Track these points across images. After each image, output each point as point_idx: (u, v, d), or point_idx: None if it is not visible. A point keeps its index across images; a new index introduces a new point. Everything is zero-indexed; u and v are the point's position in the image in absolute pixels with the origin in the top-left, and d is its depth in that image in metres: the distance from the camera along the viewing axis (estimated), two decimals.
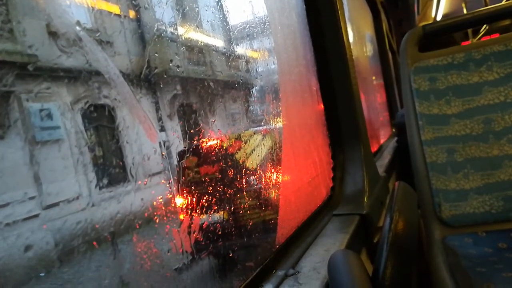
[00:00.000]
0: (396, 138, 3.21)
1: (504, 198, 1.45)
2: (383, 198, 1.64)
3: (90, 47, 0.69)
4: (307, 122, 1.51)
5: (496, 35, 1.95)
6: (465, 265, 1.20)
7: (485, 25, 5.39)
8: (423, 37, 1.72)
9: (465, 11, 5.58)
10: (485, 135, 1.52)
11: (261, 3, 1.31)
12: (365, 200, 1.42)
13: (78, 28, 0.69)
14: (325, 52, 1.59)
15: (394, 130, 4.24)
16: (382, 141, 3.43)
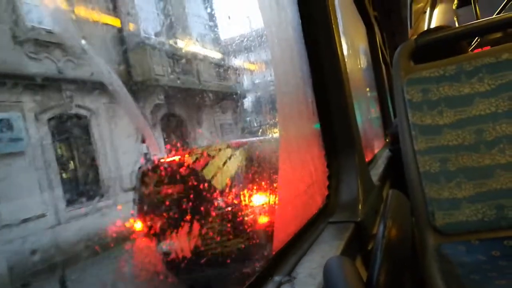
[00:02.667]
0: (390, 147, 3.24)
1: (497, 207, 1.48)
2: (377, 206, 1.66)
3: (94, 60, 0.71)
4: (302, 132, 1.54)
5: (488, 48, 2.00)
6: (459, 273, 1.22)
7: (476, 38, 5.49)
8: (416, 49, 1.77)
9: (457, 24, 5.67)
10: (477, 145, 1.55)
11: (257, 17, 1.34)
12: (360, 208, 1.45)
13: (83, 41, 0.71)
14: (320, 64, 1.63)
15: (387, 140, 4.28)
16: (376, 150, 3.46)
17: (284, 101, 1.38)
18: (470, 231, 1.49)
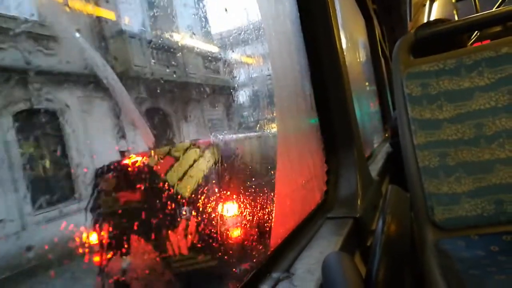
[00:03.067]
0: (390, 141, 3.24)
1: (496, 202, 1.47)
2: (376, 202, 1.65)
3: (90, 53, 0.70)
4: (301, 127, 1.53)
5: (487, 42, 1.99)
6: (458, 268, 1.21)
7: (476, 32, 5.47)
8: (415, 43, 1.75)
9: (456, 18, 5.65)
10: (477, 139, 1.54)
11: (255, 9, 1.32)
12: (359, 203, 1.44)
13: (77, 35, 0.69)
14: (319, 58, 1.61)
15: (387, 134, 4.27)
16: (375, 145, 3.45)
17: (282, 95, 1.37)
18: (469, 226, 1.48)
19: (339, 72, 1.60)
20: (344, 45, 2.04)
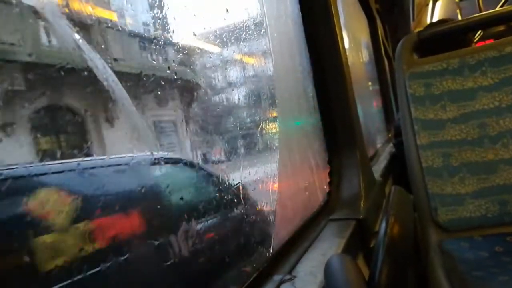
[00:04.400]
0: (393, 141, 3.22)
1: (500, 202, 1.46)
2: (380, 203, 1.64)
3: (89, 55, 0.69)
4: (303, 127, 1.52)
5: (491, 41, 1.99)
6: (462, 269, 1.21)
7: (479, 31, 5.46)
8: (418, 42, 1.75)
9: (459, 17, 5.63)
10: (480, 139, 1.54)
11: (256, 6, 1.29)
12: (362, 205, 1.43)
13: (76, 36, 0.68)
14: (321, 58, 1.60)
15: (390, 135, 4.25)
16: (378, 146, 3.44)
17: (284, 95, 1.36)
18: (473, 227, 1.47)
19: (341, 72, 1.59)
20: (346, 45, 2.03)
